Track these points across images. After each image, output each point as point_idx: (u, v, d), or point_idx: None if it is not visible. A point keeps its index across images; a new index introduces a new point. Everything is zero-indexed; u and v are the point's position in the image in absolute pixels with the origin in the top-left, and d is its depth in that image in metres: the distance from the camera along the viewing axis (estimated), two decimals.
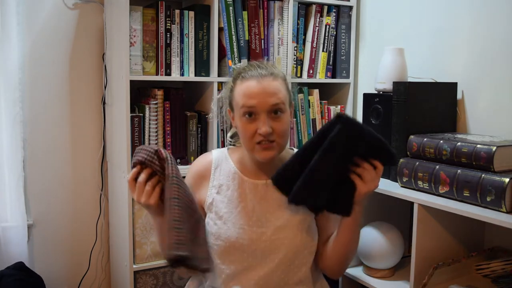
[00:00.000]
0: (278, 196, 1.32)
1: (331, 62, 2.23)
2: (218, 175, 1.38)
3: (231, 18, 1.94)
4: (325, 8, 2.18)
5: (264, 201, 1.33)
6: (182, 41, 1.90)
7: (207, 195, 1.37)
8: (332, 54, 2.23)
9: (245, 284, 1.30)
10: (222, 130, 1.95)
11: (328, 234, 1.38)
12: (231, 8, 1.93)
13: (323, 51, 2.20)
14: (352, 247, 1.34)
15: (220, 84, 1.90)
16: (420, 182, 1.54)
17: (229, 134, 1.49)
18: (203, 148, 1.99)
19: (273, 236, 1.29)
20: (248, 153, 1.33)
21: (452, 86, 1.78)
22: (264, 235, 1.30)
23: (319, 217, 1.37)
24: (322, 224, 1.38)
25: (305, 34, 2.18)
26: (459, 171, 1.42)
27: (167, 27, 1.86)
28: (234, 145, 1.48)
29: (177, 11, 1.88)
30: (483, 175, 1.35)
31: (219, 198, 1.35)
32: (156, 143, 1.87)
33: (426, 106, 1.69)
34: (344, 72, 2.25)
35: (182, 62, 1.91)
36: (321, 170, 1.18)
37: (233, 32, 1.95)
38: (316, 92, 2.22)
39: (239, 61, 1.96)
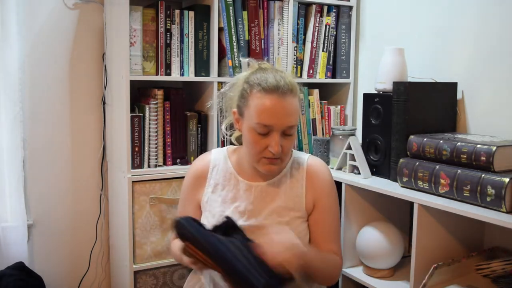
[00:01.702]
0: (271, 199, 1.34)
1: (331, 62, 2.23)
2: (215, 174, 1.39)
3: (231, 18, 1.94)
4: (325, 8, 2.18)
5: (257, 202, 1.34)
6: (182, 41, 1.90)
7: (203, 194, 1.38)
8: (332, 54, 2.23)
9: None
10: None
11: (315, 238, 1.38)
12: (231, 8, 1.93)
13: (323, 51, 2.20)
14: (322, 277, 1.31)
15: (220, 84, 1.90)
16: (420, 182, 1.54)
17: (223, 126, 1.48)
18: (203, 148, 1.99)
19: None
20: (251, 162, 1.33)
21: (452, 86, 1.78)
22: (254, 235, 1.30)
23: (309, 219, 1.37)
24: (310, 226, 1.38)
25: (305, 34, 2.18)
26: (459, 171, 1.42)
27: (167, 27, 1.86)
28: (231, 140, 1.48)
29: (177, 11, 1.88)
30: (483, 175, 1.35)
31: (213, 197, 1.37)
32: (156, 143, 1.87)
33: (426, 106, 1.69)
34: (344, 72, 2.25)
35: (182, 62, 1.91)
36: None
37: (233, 32, 1.95)
38: (316, 92, 2.22)
39: (239, 62, 1.96)
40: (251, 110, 1.26)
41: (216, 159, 1.42)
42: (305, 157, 1.41)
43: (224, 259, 1.10)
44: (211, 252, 1.11)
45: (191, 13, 1.90)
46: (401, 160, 1.62)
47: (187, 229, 1.14)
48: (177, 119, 1.92)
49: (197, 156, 1.79)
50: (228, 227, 1.21)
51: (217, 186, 1.38)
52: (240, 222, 1.32)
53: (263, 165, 1.29)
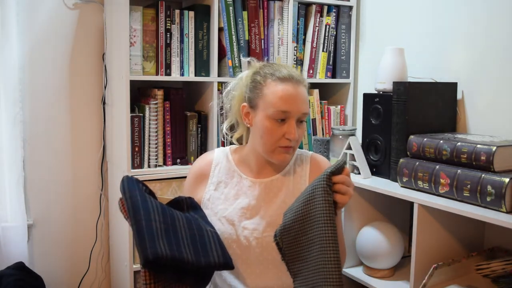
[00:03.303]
0: (274, 195, 1.34)
1: (331, 62, 2.23)
2: (218, 172, 1.40)
3: (231, 18, 1.94)
4: (325, 8, 2.18)
5: (260, 198, 1.35)
6: (182, 41, 1.90)
7: (204, 192, 1.38)
8: (332, 54, 2.23)
9: (245, 281, 1.31)
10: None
11: None
12: (231, 8, 1.93)
13: (323, 51, 2.20)
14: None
15: (220, 84, 1.90)
16: (420, 182, 1.54)
17: (225, 125, 1.48)
18: (203, 148, 1.99)
19: (265, 233, 1.30)
20: (264, 153, 1.33)
21: (452, 86, 1.78)
22: (256, 232, 1.31)
23: None
24: None
25: (305, 34, 2.18)
26: (459, 171, 1.42)
27: (167, 27, 1.86)
28: (232, 141, 1.48)
29: (177, 11, 1.88)
30: (483, 175, 1.35)
31: (216, 195, 1.37)
32: (156, 143, 1.87)
33: (426, 106, 1.69)
34: (344, 72, 2.25)
35: (182, 62, 1.91)
36: None
37: (233, 32, 1.95)
38: (316, 92, 2.22)
39: (239, 62, 1.96)
40: (267, 99, 1.29)
41: (219, 157, 1.43)
42: (308, 154, 1.43)
43: (134, 216, 1.11)
44: (128, 206, 1.13)
45: (191, 13, 1.90)
46: (401, 160, 1.62)
47: (124, 184, 1.17)
48: (177, 119, 1.92)
49: (197, 156, 1.80)
50: (188, 206, 1.28)
51: (220, 184, 1.38)
52: (244, 219, 1.32)
53: (278, 154, 1.30)
